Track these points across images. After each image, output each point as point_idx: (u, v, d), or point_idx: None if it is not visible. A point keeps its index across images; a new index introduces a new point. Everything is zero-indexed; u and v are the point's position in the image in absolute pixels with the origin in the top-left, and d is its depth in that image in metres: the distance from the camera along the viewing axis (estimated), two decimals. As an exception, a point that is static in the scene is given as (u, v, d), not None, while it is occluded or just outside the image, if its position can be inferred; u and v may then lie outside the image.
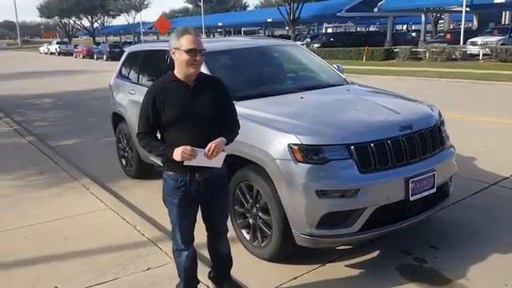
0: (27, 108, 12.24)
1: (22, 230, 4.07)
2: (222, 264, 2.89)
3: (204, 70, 4.19)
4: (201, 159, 2.40)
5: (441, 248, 3.59)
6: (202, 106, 2.46)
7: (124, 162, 5.90)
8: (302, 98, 3.81)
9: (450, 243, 3.67)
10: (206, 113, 2.47)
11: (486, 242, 3.69)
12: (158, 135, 2.57)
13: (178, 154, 2.35)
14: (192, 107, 2.44)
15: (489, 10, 32.53)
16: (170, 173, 2.52)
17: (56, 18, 69.07)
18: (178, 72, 2.47)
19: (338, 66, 4.95)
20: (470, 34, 26.10)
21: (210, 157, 2.38)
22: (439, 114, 3.78)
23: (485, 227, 3.96)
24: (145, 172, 5.54)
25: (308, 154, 3.01)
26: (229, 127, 2.58)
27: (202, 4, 46.95)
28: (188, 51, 2.36)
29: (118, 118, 5.87)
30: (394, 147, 3.14)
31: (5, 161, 6.44)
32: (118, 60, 6.32)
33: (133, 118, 5.36)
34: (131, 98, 5.39)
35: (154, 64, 5.24)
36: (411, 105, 3.91)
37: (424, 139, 3.33)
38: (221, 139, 2.43)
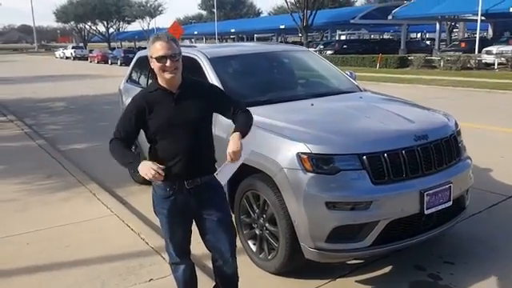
0: (39, 111, 12.32)
1: (26, 235, 4.01)
2: (227, 284, 2.71)
3: (211, 74, 4.12)
4: (228, 170, 2.33)
5: (456, 264, 3.42)
6: (188, 113, 2.35)
7: (131, 168, 5.83)
8: (312, 105, 3.69)
9: (466, 259, 3.50)
10: (193, 118, 2.35)
11: (503, 257, 3.52)
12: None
13: (144, 169, 2.16)
14: (177, 115, 2.33)
15: (504, 19, 32.08)
16: (158, 182, 2.39)
17: (72, 22, 70.17)
18: (160, 80, 2.37)
19: (350, 73, 4.82)
20: (485, 42, 25.72)
21: (236, 159, 2.25)
22: (455, 123, 3.63)
23: (502, 242, 3.78)
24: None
25: (318, 163, 2.89)
26: (237, 117, 2.44)
27: (215, 10, 47.23)
28: (157, 58, 2.27)
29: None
30: (408, 158, 3.00)
31: (14, 164, 6.43)
32: (131, 65, 6.27)
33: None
34: (140, 102, 5.34)
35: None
36: (426, 113, 3.76)
37: (440, 150, 3.18)
38: (237, 135, 2.29)
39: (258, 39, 55.21)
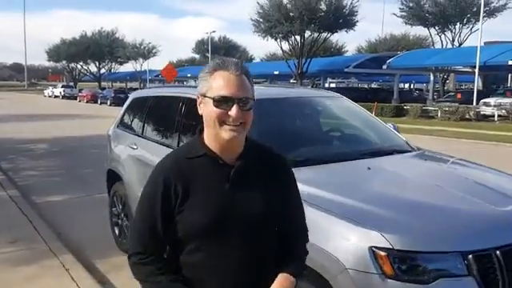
0: (19, 154, 11.21)
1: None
2: None
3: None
4: None
5: None
6: (252, 205, 1.39)
7: (117, 232, 4.76)
8: (368, 168, 2.77)
9: None
10: (258, 216, 1.39)
11: None
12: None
13: None
14: (233, 207, 1.38)
15: (496, 72, 32.55)
16: None
17: (64, 62, 69.86)
18: (209, 139, 1.42)
19: (393, 125, 3.96)
20: (479, 94, 25.73)
21: None
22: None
23: None
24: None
25: (404, 265, 1.92)
26: (296, 248, 1.50)
27: (209, 55, 47.46)
28: (218, 100, 1.34)
29: (113, 177, 4.81)
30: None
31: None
32: (122, 106, 5.37)
33: (132, 177, 4.32)
34: (132, 153, 4.38)
35: (163, 114, 4.27)
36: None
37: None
38: (289, 281, 1.37)
39: (250, 84, 54.99)
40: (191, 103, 3.75)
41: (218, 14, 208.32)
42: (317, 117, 3.73)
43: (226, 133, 1.34)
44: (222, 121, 1.34)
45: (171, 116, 3.99)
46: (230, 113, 1.33)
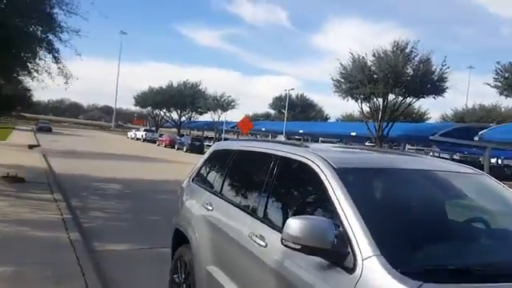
0: (91, 192, 11.13)
1: None
2: None
3: (343, 199, 2.30)
4: None
5: None
6: None
7: (177, 306, 3.96)
8: None
9: None
10: None
11: None
12: None
13: None
14: None
15: None
16: None
17: (149, 108, 74.51)
18: None
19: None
20: None
21: None
22: None
23: None
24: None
25: None
26: None
27: (285, 111, 47.75)
28: None
29: (180, 238, 4.08)
30: None
31: (21, 267, 4.78)
32: (197, 152, 4.77)
33: (202, 243, 3.55)
34: (205, 214, 3.63)
35: (248, 172, 3.52)
36: None
37: None
38: None
39: (323, 143, 54.29)
40: (286, 163, 2.97)
41: (296, 74, 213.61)
42: (448, 200, 2.73)
43: None
44: None
45: (258, 176, 3.23)
46: None
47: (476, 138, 27.16)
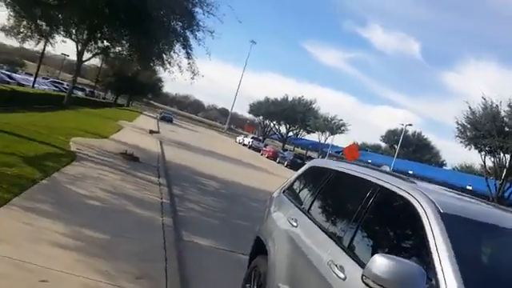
0: (191, 184, 11.74)
1: None
2: None
3: (441, 245, 2.04)
4: None
5: None
6: None
7: (242, 314, 3.90)
8: None
9: None
10: None
11: None
12: None
13: None
14: None
15: None
16: None
17: (261, 117, 76.97)
18: None
19: None
20: None
21: None
22: None
23: None
24: None
25: None
26: None
27: (398, 147, 45.36)
28: None
29: (260, 247, 4.02)
30: None
31: (116, 239, 5.15)
32: (297, 170, 4.69)
33: (279, 258, 3.43)
34: (288, 229, 3.52)
35: (342, 196, 3.33)
36: None
37: None
38: None
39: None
40: (385, 194, 2.73)
41: (416, 109, 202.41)
42: None
43: None
44: None
45: (351, 202, 3.03)
46: None
47: None
